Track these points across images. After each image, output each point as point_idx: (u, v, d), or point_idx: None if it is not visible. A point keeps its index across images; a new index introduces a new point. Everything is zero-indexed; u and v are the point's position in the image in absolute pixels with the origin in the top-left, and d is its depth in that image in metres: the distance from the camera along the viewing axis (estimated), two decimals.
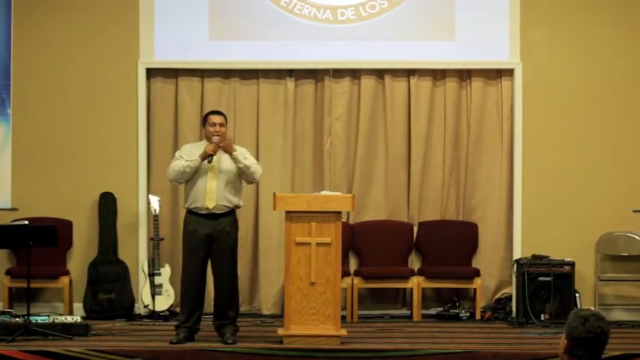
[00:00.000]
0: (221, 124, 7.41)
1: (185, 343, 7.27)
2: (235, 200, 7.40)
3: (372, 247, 9.05)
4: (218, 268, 7.39)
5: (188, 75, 9.14)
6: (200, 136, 8.87)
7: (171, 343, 7.26)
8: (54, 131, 9.03)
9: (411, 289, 8.86)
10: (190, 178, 7.38)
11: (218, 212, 7.32)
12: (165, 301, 8.72)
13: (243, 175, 7.39)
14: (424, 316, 8.87)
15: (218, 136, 7.36)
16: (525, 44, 8.98)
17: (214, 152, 7.29)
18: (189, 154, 7.40)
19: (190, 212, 7.41)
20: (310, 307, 7.24)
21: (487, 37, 9.00)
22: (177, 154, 7.60)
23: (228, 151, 7.34)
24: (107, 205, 9.00)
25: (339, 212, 7.43)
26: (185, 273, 7.46)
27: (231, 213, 7.39)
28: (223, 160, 7.36)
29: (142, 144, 9.04)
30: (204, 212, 7.32)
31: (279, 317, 8.49)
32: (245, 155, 7.44)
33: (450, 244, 9.03)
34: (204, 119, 7.57)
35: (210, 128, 7.42)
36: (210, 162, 7.29)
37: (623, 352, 6.79)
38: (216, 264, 7.38)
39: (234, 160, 7.33)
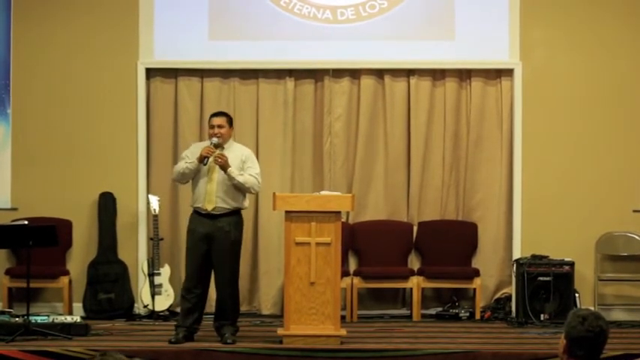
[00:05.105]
0: (220, 126, 7.42)
1: (184, 342, 7.27)
2: (235, 203, 7.39)
3: (371, 247, 9.05)
4: (217, 267, 7.39)
5: (188, 75, 9.13)
6: (199, 136, 8.90)
7: (170, 342, 7.28)
8: (54, 131, 9.03)
9: (411, 289, 8.86)
10: (194, 178, 7.40)
11: (217, 213, 7.34)
12: (164, 301, 8.72)
13: (239, 187, 7.39)
14: (424, 316, 8.87)
15: (217, 137, 7.37)
16: (525, 44, 8.98)
17: (209, 154, 7.29)
18: (193, 154, 7.43)
19: (194, 211, 7.45)
20: (310, 307, 7.24)
21: (487, 36, 9.00)
22: (183, 153, 7.67)
23: (224, 169, 7.33)
24: (107, 204, 9.00)
25: (339, 212, 7.43)
26: (185, 272, 7.49)
27: (232, 214, 7.38)
28: None
29: (142, 144, 9.04)
30: (204, 212, 7.35)
31: (278, 317, 8.50)
32: (248, 164, 7.42)
33: (450, 244, 9.03)
34: (208, 121, 7.61)
35: (210, 130, 7.46)
36: (205, 164, 7.30)
37: (623, 352, 6.79)
38: (215, 264, 7.38)
39: (229, 177, 7.32)
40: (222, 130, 7.43)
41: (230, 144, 7.51)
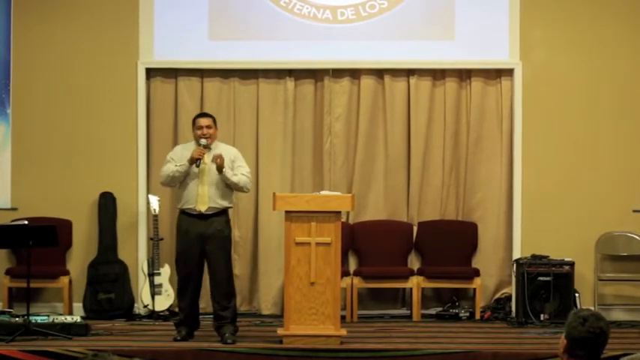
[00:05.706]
0: (208, 127, 7.44)
1: (188, 339, 7.34)
2: (226, 202, 7.43)
3: (371, 247, 9.05)
4: (214, 267, 7.41)
5: (188, 75, 9.13)
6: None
7: (175, 340, 7.35)
8: (54, 131, 9.03)
9: (411, 289, 8.86)
10: (182, 181, 7.41)
11: (209, 213, 7.36)
12: (164, 300, 8.72)
13: (232, 187, 7.41)
14: (424, 315, 8.87)
15: (206, 139, 7.38)
16: (525, 44, 8.98)
17: (201, 156, 7.30)
18: (180, 156, 7.44)
19: (183, 212, 7.45)
20: (310, 307, 7.25)
21: (487, 36, 9.00)
22: (168, 156, 7.65)
23: (219, 169, 7.34)
24: (107, 204, 9.00)
25: (339, 212, 7.44)
26: (178, 272, 7.53)
27: (222, 213, 7.43)
28: (214, 164, 7.37)
29: (142, 144, 9.04)
30: (195, 213, 7.36)
31: (278, 317, 8.49)
32: (237, 163, 7.44)
33: (450, 244, 9.03)
34: (193, 122, 7.59)
35: (198, 132, 7.45)
36: (198, 166, 7.31)
37: (623, 352, 6.76)
38: (212, 263, 7.41)
39: (224, 177, 7.33)
40: (211, 131, 7.45)
41: (216, 145, 7.54)
